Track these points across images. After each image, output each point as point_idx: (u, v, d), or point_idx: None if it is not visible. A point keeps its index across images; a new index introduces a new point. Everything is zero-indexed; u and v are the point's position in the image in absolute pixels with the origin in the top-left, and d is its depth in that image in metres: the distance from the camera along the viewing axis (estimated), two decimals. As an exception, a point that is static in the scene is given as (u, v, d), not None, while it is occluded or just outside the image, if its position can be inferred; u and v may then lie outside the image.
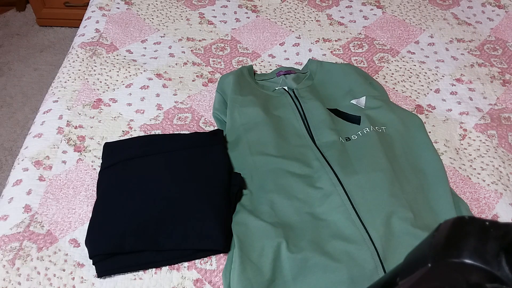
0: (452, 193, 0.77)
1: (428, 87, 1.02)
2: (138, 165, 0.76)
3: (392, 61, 1.08)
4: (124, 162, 0.77)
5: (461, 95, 1.00)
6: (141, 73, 1.02)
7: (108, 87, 0.98)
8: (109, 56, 1.06)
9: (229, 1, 1.28)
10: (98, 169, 0.81)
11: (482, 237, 0.33)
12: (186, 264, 0.68)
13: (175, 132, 0.88)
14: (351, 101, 0.92)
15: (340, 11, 1.26)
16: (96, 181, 0.78)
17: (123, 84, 0.99)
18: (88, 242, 0.67)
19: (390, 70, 1.06)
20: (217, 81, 1.00)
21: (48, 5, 1.99)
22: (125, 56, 1.07)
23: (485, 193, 0.80)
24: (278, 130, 0.85)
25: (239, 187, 0.75)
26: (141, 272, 0.67)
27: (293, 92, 0.94)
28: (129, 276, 0.67)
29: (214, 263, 0.68)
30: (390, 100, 0.95)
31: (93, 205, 0.73)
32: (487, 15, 1.26)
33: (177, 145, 0.79)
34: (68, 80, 0.99)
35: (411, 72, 1.05)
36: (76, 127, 0.88)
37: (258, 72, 1.04)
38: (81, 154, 0.84)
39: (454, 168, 0.84)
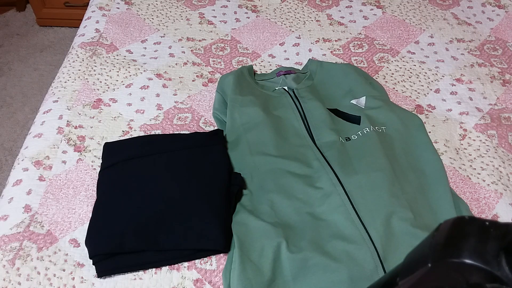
0: (452, 193, 0.77)
1: (428, 87, 1.02)
2: (138, 165, 0.76)
3: (392, 61, 1.08)
4: (124, 162, 0.77)
5: (461, 95, 1.00)
6: (141, 73, 1.02)
7: (108, 87, 0.98)
8: (109, 56, 1.06)
9: (229, 1, 1.28)
10: (98, 169, 0.81)
11: (482, 237, 0.33)
12: (186, 264, 0.68)
13: (175, 132, 0.88)
14: (351, 101, 0.92)
15: (340, 11, 1.26)
16: (96, 181, 0.78)
17: (123, 84, 0.99)
18: (88, 242, 0.67)
19: (390, 70, 1.06)
20: (217, 81, 1.00)
21: (48, 5, 1.99)
22: (125, 56, 1.07)
23: (485, 193, 0.80)
24: (278, 130, 0.85)
25: (239, 187, 0.75)
26: (141, 272, 0.67)
27: (293, 92, 0.94)
28: (129, 276, 0.67)
29: (214, 263, 0.68)
30: (390, 100, 0.95)
31: (93, 205, 0.73)
32: (487, 15, 1.26)
33: (177, 145, 0.79)
34: (68, 80, 0.99)
35: (411, 72, 1.05)
36: (76, 127, 0.88)
37: (258, 72, 1.04)
38: (81, 154, 0.84)
39: (454, 168, 0.84)
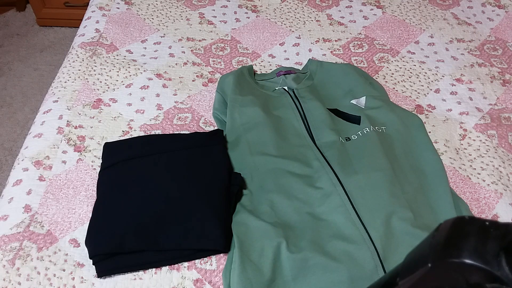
0: (452, 193, 0.77)
1: (428, 87, 1.02)
2: (138, 165, 0.76)
3: (392, 61, 1.08)
4: (124, 162, 0.77)
5: (461, 95, 1.00)
6: (141, 73, 1.02)
7: (108, 87, 0.98)
8: (109, 56, 1.06)
9: (229, 1, 1.28)
10: (98, 169, 0.81)
11: (482, 237, 0.33)
12: (186, 264, 0.68)
13: (175, 132, 0.88)
14: (351, 101, 0.92)
15: (340, 11, 1.26)
16: (96, 181, 0.78)
17: (123, 84, 0.99)
18: (88, 242, 0.67)
19: (390, 70, 1.06)
20: (217, 81, 1.00)
21: (48, 5, 1.99)
22: (125, 56, 1.07)
23: (485, 193, 0.80)
24: (278, 130, 0.85)
25: (239, 187, 0.75)
26: (141, 272, 0.67)
27: (293, 92, 0.94)
28: (129, 276, 0.67)
29: (214, 263, 0.68)
30: (390, 100, 0.95)
31: (93, 205, 0.73)
32: (487, 15, 1.26)
33: (177, 145, 0.79)
34: (68, 80, 0.99)
35: (411, 72, 1.05)
36: (76, 127, 0.88)
37: (258, 72, 1.04)
38: (81, 154, 0.84)
39: (454, 168, 0.84)
